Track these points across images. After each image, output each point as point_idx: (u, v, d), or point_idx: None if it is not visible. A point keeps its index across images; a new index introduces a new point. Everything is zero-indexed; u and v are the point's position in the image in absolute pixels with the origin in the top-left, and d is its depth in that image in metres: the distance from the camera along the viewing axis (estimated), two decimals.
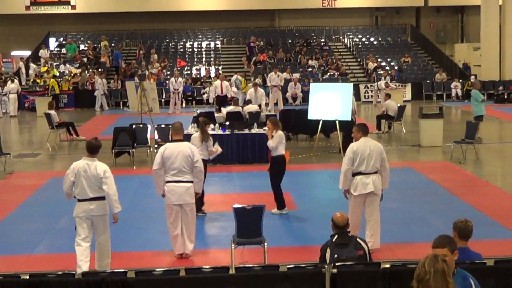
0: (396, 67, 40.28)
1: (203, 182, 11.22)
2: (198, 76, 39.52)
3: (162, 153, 10.66)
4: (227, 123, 20.20)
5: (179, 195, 10.65)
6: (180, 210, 10.75)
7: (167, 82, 36.67)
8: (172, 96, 34.70)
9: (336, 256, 8.19)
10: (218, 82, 31.44)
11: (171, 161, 10.59)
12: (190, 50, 45.23)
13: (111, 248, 10.09)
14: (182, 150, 10.64)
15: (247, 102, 24.78)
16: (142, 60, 41.37)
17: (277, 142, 13.43)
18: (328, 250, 8.40)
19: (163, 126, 20.51)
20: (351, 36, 46.80)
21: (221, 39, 46.57)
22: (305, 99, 31.54)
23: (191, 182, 10.77)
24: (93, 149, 9.91)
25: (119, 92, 37.21)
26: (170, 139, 11.85)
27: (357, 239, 8.55)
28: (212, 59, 43.15)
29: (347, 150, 10.94)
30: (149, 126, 20.68)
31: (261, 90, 27.96)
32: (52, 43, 45.30)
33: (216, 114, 23.41)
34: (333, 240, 8.51)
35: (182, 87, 35.19)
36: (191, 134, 14.80)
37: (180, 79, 35.28)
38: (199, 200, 12.48)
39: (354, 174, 10.85)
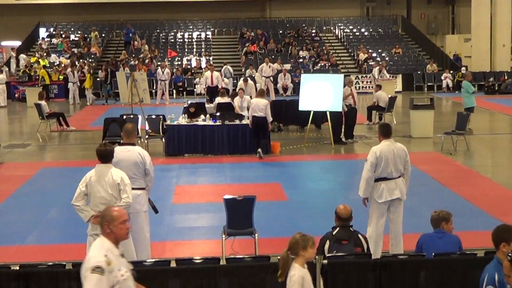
0: (387, 58, 40.31)
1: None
2: (189, 66, 39.35)
3: None
4: (218, 114, 20.16)
5: None
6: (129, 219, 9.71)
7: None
8: (160, 87, 34.53)
9: (335, 252, 8.18)
10: (208, 73, 31.39)
11: (119, 167, 9.29)
12: (181, 40, 45.06)
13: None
14: (132, 155, 9.58)
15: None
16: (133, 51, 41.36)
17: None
18: (328, 242, 8.37)
19: (153, 116, 20.46)
20: (342, 27, 46.72)
21: (212, 29, 46.41)
22: (296, 90, 31.49)
23: (143, 189, 9.70)
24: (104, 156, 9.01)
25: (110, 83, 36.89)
26: (119, 143, 10.62)
27: (359, 235, 8.51)
28: (202, 49, 43.04)
29: (369, 155, 9.96)
30: (139, 116, 20.65)
31: (251, 83, 27.82)
32: (42, 33, 45.07)
33: (207, 105, 23.33)
34: (334, 233, 8.46)
35: (169, 78, 35.01)
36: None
37: (167, 69, 35.01)
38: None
39: (378, 179, 9.95)
